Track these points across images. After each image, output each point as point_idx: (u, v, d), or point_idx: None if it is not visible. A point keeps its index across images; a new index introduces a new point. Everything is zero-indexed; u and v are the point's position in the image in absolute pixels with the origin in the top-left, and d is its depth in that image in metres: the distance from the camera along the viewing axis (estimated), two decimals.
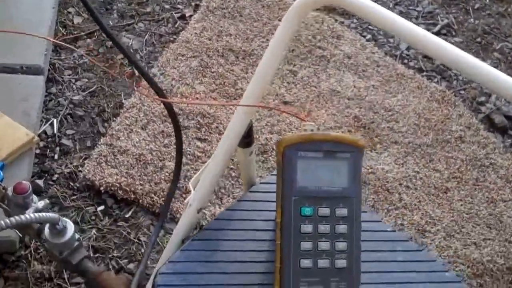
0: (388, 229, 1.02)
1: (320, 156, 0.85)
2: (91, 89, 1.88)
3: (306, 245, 0.84)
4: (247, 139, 0.95)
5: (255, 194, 1.01)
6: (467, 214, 1.74)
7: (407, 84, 2.08)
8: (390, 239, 1.00)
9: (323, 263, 0.84)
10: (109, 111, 1.84)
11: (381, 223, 1.03)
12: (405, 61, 2.18)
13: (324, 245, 0.84)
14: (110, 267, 1.50)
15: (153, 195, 1.63)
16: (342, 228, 0.85)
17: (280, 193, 0.85)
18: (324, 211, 0.84)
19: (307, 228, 0.84)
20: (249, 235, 0.95)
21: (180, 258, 0.91)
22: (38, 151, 1.68)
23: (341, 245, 0.85)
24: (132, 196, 1.61)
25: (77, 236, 1.19)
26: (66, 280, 1.44)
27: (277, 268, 0.84)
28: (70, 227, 1.16)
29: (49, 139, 1.75)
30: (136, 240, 1.56)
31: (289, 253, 0.83)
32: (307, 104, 1.93)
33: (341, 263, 0.84)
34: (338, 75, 2.04)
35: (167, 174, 1.68)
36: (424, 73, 2.15)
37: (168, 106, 1.05)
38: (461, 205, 1.76)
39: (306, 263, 0.83)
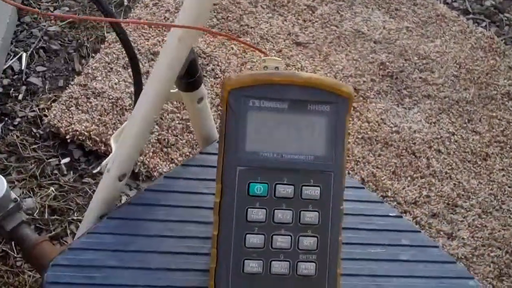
0: (391, 214, 0.71)
1: (283, 107, 0.57)
2: (70, 19, 1.59)
3: (254, 240, 0.57)
4: (189, 79, 0.65)
5: (207, 157, 0.71)
6: (509, 187, 1.48)
7: (448, 27, 1.80)
8: (392, 229, 0.70)
9: (279, 267, 0.56)
10: (88, 45, 1.56)
11: (381, 205, 0.72)
12: (448, 0, 1.81)
13: (282, 241, 0.57)
14: (68, 232, 1.24)
15: None
16: (311, 216, 0.58)
17: (221, 161, 0.55)
18: (285, 190, 0.57)
19: (258, 214, 0.57)
20: (189, 215, 0.67)
21: (86, 244, 0.63)
22: (0, 89, 1.41)
23: (308, 242, 0.57)
24: (103, 148, 1.35)
25: (13, 195, 0.96)
26: (13, 247, 1.20)
27: (211, 270, 0.56)
28: (2, 184, 0.91)
29: (15, 76, 1.48)
30: None
31: (228, 250, 0.56)
32: (324, 47, 1.61)
33: (307, 269, 0.56)
34: (365, 13, 1.72)
35: None
36: (470, 16, 1.87)
37: (116, 29, 0.74)
38: (503, 175, 1.50)
39: (252, 266, 0.56)
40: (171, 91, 0.74)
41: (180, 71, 0.63)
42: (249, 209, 0.55)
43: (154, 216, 0.68)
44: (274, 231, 0.56)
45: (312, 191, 0.57)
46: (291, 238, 0.56)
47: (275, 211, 0.56)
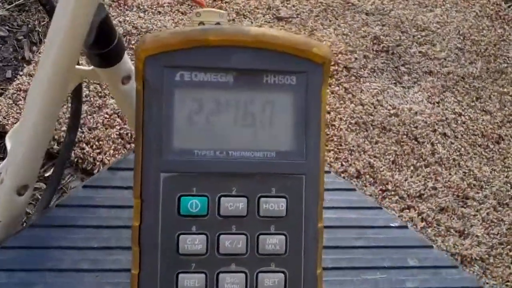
0: (393, 225, 0.52)
1: (226, 81, 0.40)
2: (19, 1, 1.39)
3: (190, 282, 0.39)
4: (101, 49, 0.46)
5: None
6: None
7: None
8: (395, 244, 0.51)
9: None
10: (40, 30, 1.37)
11: (380, 213, 0.53)
12: None
13: (232, 283, 0.40)
14: None
15: (84, 145, 1.18)
16: (274, 243, 0.40)
17: (139, 165, 0.38)
18: (234, 205, 0.40)
19: (194, 243, 0.39)
20: (116, 239, 0.47)
21: None
22: None
23: (273, 282, 0.38)
24: (56, 146, 1.15)
25: None
26: None
27: None
28: None
29: None
30: None
31: None
32: (310, 21, 1.43)
33: None
34: None
35: (107, 116, 1.20)
36: None
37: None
38: None
39: None
40: (83, 68, 0.54)
41: (87, 37, 0.43)
42: (181, 236, 0.38)
43: (68, 242, 0.49)
44: (220, 268, 0.39)
45: (274, 205, 0.40)
46: (246, 277, 0.38)
47: (221, 237, 0.39)
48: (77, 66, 0.53)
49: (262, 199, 0.39)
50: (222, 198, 0.39)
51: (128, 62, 0.53)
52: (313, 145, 0.40)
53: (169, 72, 0.39)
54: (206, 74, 0.39)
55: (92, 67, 0.53)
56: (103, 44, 0.49)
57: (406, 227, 0.55)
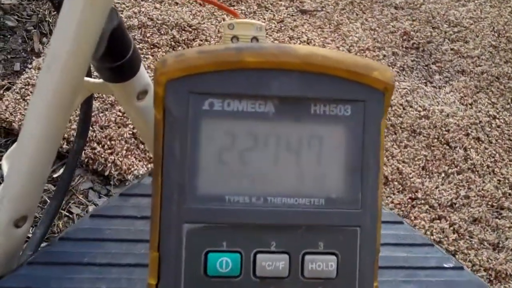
0: (448, 265, 0.45)
1: (266, 111, 0.33)
2: None
3: None
4: (113, 62, 0.38)
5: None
6: None
7: None
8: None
9: None
10: (51, 20, 1.29)
11: (431, 250, 0.45)
12: None
13: None
14: None
15: (96, 144, 1.12)
16: None
17: (157, 211, 0.29)
18: (274, 263, 0.32)
19: None
20: (127, 279, 0.40)
21: None
22: None
23: None
24: (66, 146, 1.08)
25: None
26: None
27: None
28: None
29: None
30: (65, 213, 1.05)
31: None
32: (335, 15, 1.36)
33: None
34: None
35: (120, 114, 1.14)
36: None
37: None
38: None
39: None
40: (92, 80, 0.46)
41: (96, 49, 0.36)
42: None
43: (72, 283, 0.42)
44: None
45: (322, 264, 0.33)
46: None
47: None
48: (85, 78, 0.45)
49: (307, 257, 0.33)
50: (258, 255, 0.32)
51: (144, 75, 0.46)
52: (370, 190, 0.33)
53: (196, 100, 0.32)
54: (241, 103, 0.32)
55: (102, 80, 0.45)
56: (115, 57, 0.41)
57: (462, 268, 0.48)
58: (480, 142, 1.30)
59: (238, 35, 0.34)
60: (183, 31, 1.32)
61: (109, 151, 1.15)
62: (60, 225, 1.08)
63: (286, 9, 1.41)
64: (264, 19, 1.34)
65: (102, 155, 1.14)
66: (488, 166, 1.26)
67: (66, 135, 1.15)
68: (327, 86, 0.32)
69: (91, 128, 1.18)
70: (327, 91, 0.32)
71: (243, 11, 1.33)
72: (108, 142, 1.16)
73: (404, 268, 0.47)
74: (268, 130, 0.32)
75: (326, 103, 0.32)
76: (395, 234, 0.49)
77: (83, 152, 1.14)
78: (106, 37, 0.39)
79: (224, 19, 1.33)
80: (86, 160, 1.14)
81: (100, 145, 1.16)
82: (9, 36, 1.33)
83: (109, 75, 0.43)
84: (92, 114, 1.20)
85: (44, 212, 0.81)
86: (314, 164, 0.32)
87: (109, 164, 1.14)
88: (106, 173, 1.14)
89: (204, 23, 1.32)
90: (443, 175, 1.22)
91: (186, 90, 0.31)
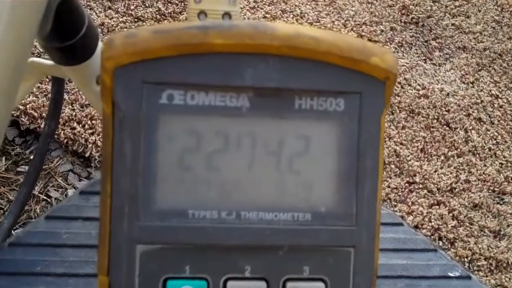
0: (453, 274, 0.39)
1: (239, 106, 0.26)
2: None
3: None
4: (62, 41, 0.32)
5: None
6: None
7: None
8: None
9: None
10: None
11: (435, 257, 0.39)
12: None
13: None
14: None
15: (76, 124, 1.06)
16: None
17: (106, 229, 0.26)
18: None
19: None
20: None
21: None
22: None
23: None
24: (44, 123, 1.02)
25: None
26: None
27: None
28: None
29: None
30: (43, 197, 0.99)
31: None
32: None
33: None
34: None
35: None
36: None
37: None
38: None
39: None
40: (44, 62, 0.40)
41: (41, 25, 0.30)
42: None
43: None
44: None
45: None
46: None
47: None
48: (36, 59, 0.39)
49: (289, 284, 0.28)
50: (229, 283, 0.27)
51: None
52: (367, 202, 0.28)
53: (152, 91, 0.26)
54: (208, 95, 0.26)
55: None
56: (64, 35, 0.35)
57: (469, 277, 0.42)
58: (482, 123, 1.26)
59: (206, 10, 0.28)
60: (169, 4, 1.26)
61: (90, 131, 1.09)
62: (38, 210, 1.02)
63: None
64: None
65: (83, 135, 1.08)
66: (489, 149, 1.22)
67: (45, 114, 1.09)
68: (314, 75, 0.26)
69: (71, 106, 1.12)
70: (314, 81, 0.26)
71: None
72: (89, 122, 1.10)
73: (403, 277, 0.41)
74: (242, 129, 0.26)
75: (314, 95, 0.26)
76: (394, 238, 0.43)
77: (62, 132, 1.08)
78: (52, 10, 0.32)
79: None
80: (65, 140, 1.08)
81: (80, 125, 1.09)
82: None
83: (59, 57, 0.37)
84: (72, 91, 1.14)
85: (13, 200, 0.76)
86: (299, 170, 0.26)
87: (90, 145, 1.08)
88: (87, 155, 1.08)
89: None
90: (442, 158, 1.18)
91: (139, 79, 0.25)
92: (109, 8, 1.23)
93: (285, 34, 0.25)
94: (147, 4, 1.24)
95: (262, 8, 1.27)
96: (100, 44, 0.38)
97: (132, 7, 1.24)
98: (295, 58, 0.26)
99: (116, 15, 1.22)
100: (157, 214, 0.25)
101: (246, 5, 1.27)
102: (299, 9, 1.30)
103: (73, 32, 0.35)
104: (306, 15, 1.29)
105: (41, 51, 1.09)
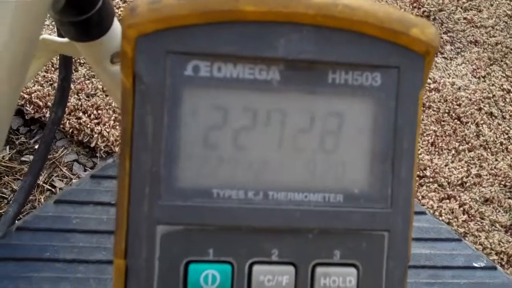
0: (478, 265, 0.38)
1: (270, 80, 0.24)
2: None
3: None
4: (77, 15, 0.30)
5: None
6: None
7: None
8: None
9: None
10: None
11: (459, 246, 0.38)
12: None
13: None
14: None
15: (81, 114, 1.05)
16: None
17: (124, 209, 0.23)
18: (277, 278, 0.24)
19: None
20: (81, 280, 0.33)
21: None
22: None
23: None
24: (49, 114, 1.00)
25: None
26: None
27: None
28: None
29: None
30: (47, 187, 0.98)
31: None
32: None
33: None
34: None
35: None
36: None
37: None
38: None
39: None
40: (56, 39, 0.38)
41: None
42: None
43: (30, 283, 0.34)
44: None
45: (338, 280, 0.25)
46: None
47: None
48: (47, 37, 0.37)
49: (319, 269, 0.25)
50: (255, 267, 0.25)
51: (119, 33, 0.38)
52: (404, 184, 0.26)
53: (176, 62, 0.24)
54: (236, 67, 0.24)
55: (67, 39, 0.37)
56: (79, 9, 0.33)
57: (495, 268, 0.41)
58: (493, 118, 1.24)
59: None
60: None
61: (96, 121, 1.08)
62: (42, 200, 1.01)
63: None
64: None
65: (88, 125, 1.07)
66: (501, 143, 1.21)
67: (50, 103, 1.07)
68: (350, 47, 0.24)
69: (76, 96, 1.11)
70: (350, 54, 0.24)
71: None
72: (95, 112, 1.08)
73: (427, 267, 0.39)
74: (271, 104, 0.24)
75: (349, 69, 0.25)
76: (417, 227, 0.41)
77: (68, 122, 1.07)
78: None
79: None
80: (71, 130, 1.07)
81: (86, 115, 1.08)
82: None
83: (73, 32, 0.35)
84: (78, 81, 1.12)
85: (18, 189, 0.74)
86: (331, 149, 0.25)
87: (95, 135, 1.07)
88: (92, 145, 1.07)
89: None
90: (453, 152, 1.17)
91: (162, 48, 0.23)
92: None
93: (321, 2, 0.23)
94: None
95: None
96: (115, 21, 0.37)
97: None
98: (331, 29, 0.24)
99: None
100: (180, 193, 0.24)
101: None
102: None
103: (88, 5, 0.33)
104: None
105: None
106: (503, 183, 1.13)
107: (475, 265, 0.40)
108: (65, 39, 0.38)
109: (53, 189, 1.03)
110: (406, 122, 0.25)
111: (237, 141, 0.24)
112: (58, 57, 0.53)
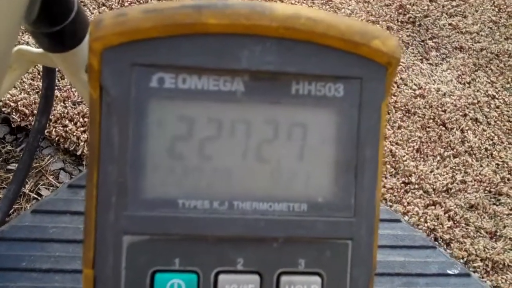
0: (452, 272, 0.38)
1: (234, 91, 0.25)
2: None
3: None
4: (51, 26, 0.30)
5: None
6: None
7: None
8: None
9: None
10: None
11: (433, 254, 0.38)
12: None
13: None
14: None
15: (68, 122, 1.04)
16: None
17: (91, 219, 0.24)
18: (242, 286, 0.25)
19: None
20: None
21: None
22: None
23: None
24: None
25: None
26: None
27: None
28: None
29: None
30: (33, 195, 0.97)
31: None
32: None
33: None
34: None
35: None
36: None
37: None
38: None
39: None
40: (32, 50, 0.38)
41: (29, 9, 0.28)
42: None
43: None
44: None
45: None
46: None
47: None
48: (23, 47, 0.37)
49: (284, 278, 0.26)
50: (221, 276, 0.26)
51: None
52: (367, 192, 0.26)
53: (141, 74, 0.24)
54: (201, 79, 0.25)
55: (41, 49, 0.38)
56: (53, 20, 0.33)
57: (468, 275, 0.41)
58: (478, 124, 1.24)
59: None
60: (164, 0, 1.24)
61: (82, 128, 1.07)
62: (28, 209, 1.00)
63: None
64: None
65: (74, 133, 1.07)
66: (486, 149, 1.20)
67: (36, 111, 1.07)
68: (313, 58, 0.25)
69: (63, 104, 1.10)
70: (312, 65, 0.25)
71: None
72: (81, 119, 1.08)
73: (401, 275, 0.40)
74: (236, 115, 0.25)
75: (312, 80, 0.25)
76: (392, 235, 0.42)
77: (54, 130, 1.07)
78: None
79: None
80: (57, 138, 1.07)
81: (72, 123, 1.08)
82: None
83: (47, 43, 0.35)
84: (64, 88, 1.12)
85: (2, 197, 0.74)
86: (295, 159, 0.25)
87: (81, 143, 1.06)
88: (79, 153, 1.06)
89: None
90: (438, 158, 1.16)
91: (128, 61, 0.24)
92: (103, 4, 1.22)
93: (283, 15, 0.24)
94: (141, 1, 1.23)
95: None
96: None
97: (126, 4, 1.22)
98: (294, 41, 0.24)
99: (78, 2, 1.20)
100: (146, 203, 0.24)
101: None
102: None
103: (61, 16, 0.34)
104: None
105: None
106: (488, 189, 1.12)
107: (449, 272, 0.41)
108: (41, 50, 0.38)
109: (39, 198, 1.02)
110: (369, 131, 0.26)
111: (203, 151, 0.25)
112: (42, 66, 0.53)
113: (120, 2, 1.22)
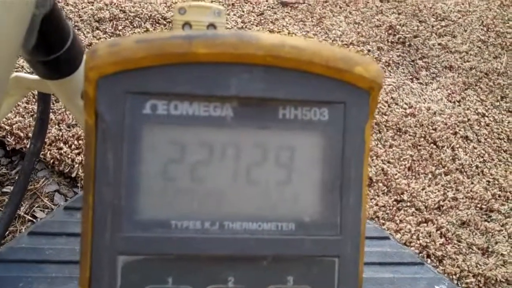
0: (439, 287, 0.39)
1: (223, 116, 0.26)
2: None
3: None
4: (47, 55, 0.31)
5: None
6: None
7: None
8: None
9: None
10: None
11: (421, 271, 0.39)
12: None
13: None
14: None
15: (62, 144, 1.04)
16: None
17: (87, 240, 0.25)
18: None
19: None
20: None
21: None
22: None
23: None
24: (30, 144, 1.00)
25: None
26: None
27: None
28: None
29: None
30: (29, 217, 0.97)
31: None
32: (318, 7, 1.30)
33: None
34: None
35: None
36: None
37: None
38: None
39: None
40: (28, 77, 0.40)
41: (26, 38, 0.29)
42: None
43: None
44: None
45: None
46: None
47: None
48: (20, 74, 0.39)
49: None
50: None
51: None
52: (352, 211, 0.27)
53: (135, 101, 0.25)
54: (192, 105, 0.26)
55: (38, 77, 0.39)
56: (49, 49, 0.35)
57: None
58: (469, 141, 1.24)
59: (190, 21, 0.28)
60: (157, 24, 1.26)
61: (77, 151, 1.08)
62: (23, 231, 1.01)
63: (267, 1, 1.35)
64: (243, 11, 1.28)
65: (69, 156, 1.07)
66: (477, 167, 1.21)
67: (31, 134, 1.08)
68: (298, 85, 0.26)
69: (57, 126, 1.11)
70: (298, 91, 0.26)
71: (220, 3, 1.26)
72: (76, 142, 1.08)
73: None
74: (226, 139, 0.26)
75: (298, 105, 0.26)
76: (380, 252, 0.43)
77: (49, 152, 1.07)
78: (37, 23, 0.32)
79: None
80: (52, 161, 1.07)
81: (67, 145, 1.08)
82: None
83: (44, 71, 0.37)
84: (59, 111, 1.13)
85: None
86: (283, 180, 0.26)
87: (76, 165, 1.07)
88: (73, 175, 1.06)
89: None
90: (430, 176, 1.16)
91: (122, 89, 0.25)
92: (97, 28, 1.23)
93: (269, 43, 0.25)
94: (135, 25, 1.24)
95: (249, 28, 1.27)
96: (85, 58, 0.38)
97: (120, 27, 1.24)
98: (280, 68, 0.25)
99: (104, 36, 1.22)
100: (140, 224, 0.25)
101: (234, 25, 1.28)
102: (287, 29, 1.29)
103: (58, 45, 0.35)
104: (294, 35, 1.29)
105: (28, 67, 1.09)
106: (479, 206, 1.13)
107: (437, 287, 0.42)
108: (37, 77, 0.39)
109: (34, 220, 1.03)
110: (353, 153, 0.27)
111: (194, 174, 0.26)
112: (37, 91, 0.54)
113: (114, 26, 1.24)
